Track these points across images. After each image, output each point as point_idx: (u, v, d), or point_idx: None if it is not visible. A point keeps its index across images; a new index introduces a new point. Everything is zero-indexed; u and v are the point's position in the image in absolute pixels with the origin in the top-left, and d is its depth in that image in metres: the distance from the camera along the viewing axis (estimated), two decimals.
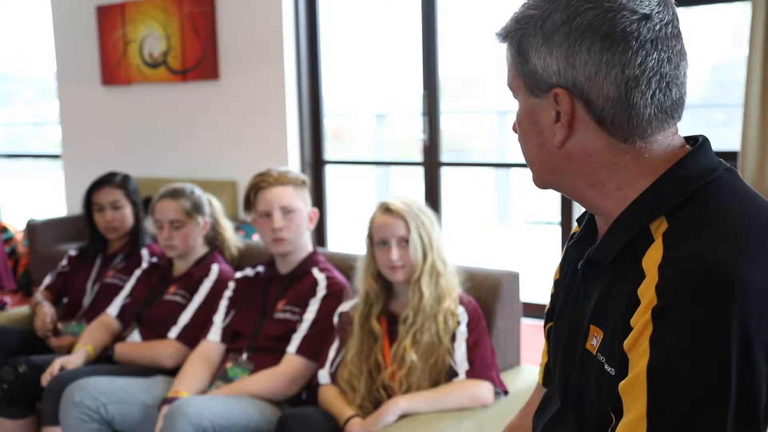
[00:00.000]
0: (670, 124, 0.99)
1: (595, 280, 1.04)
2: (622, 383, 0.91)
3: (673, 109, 0.99)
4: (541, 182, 1.08)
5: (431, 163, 4.82)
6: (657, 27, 0.96)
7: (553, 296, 1.23)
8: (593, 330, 1.03)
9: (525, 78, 1.01)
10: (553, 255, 4.80)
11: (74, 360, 2.72)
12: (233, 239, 3.01)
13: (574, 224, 1.19)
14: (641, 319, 0.90)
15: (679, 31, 0.98)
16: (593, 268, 1.04)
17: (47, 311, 3.05)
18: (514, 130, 1.10)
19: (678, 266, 0.89)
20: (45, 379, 2.63)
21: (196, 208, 2.86)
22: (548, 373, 1.25)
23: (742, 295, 0.86)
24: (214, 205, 2.96)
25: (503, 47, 1.06)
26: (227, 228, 3.00)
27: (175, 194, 2.86)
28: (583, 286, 1.07)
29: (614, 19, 0.94)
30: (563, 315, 1.14)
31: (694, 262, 0.88)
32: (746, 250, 0.89)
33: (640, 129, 0.97)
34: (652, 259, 0.92)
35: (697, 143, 1.01)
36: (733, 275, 0.86)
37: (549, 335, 1.22)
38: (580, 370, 1.04)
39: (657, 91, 0.96)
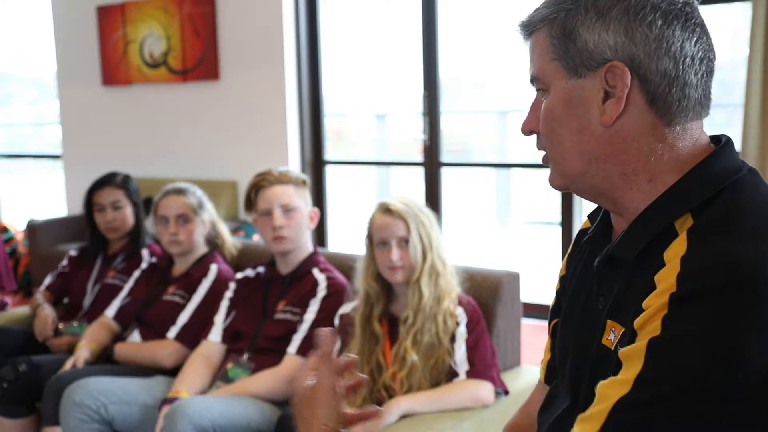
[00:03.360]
0: (703, 115, 1.01)
1: (613, 276, 1.03)
2: (623, 349, 0.92)
3: (709, 98, 1.01)
4: (569, 175, 1.05)
5: (431, 163, 4.82)
6: (700, 15, 1.00)
7: (558, 292, 1.23)
8: (611, 325, 1.03)
9: (568, 59, 1.00)
10: (553, 255, 4.79)
11: (81, 355, 2.73)
12: (231, 240, 3.02)
13: (579, 223, 1.19)
14: (656, 302, 0.90)
15: None
16: (611, 265, 1.04)
17: (48, 314, 3.05)
18: (526, 130, 1.08)
19: (704, 261, 0.89)
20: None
21: (201, 206, 2.88)
22: (551, 370, 1.25)
23: (766, 296, 0.86)
24: (210, 208, 2.98)
25: (513, 44, 1.06)
26: (225, 229, 3.01)
27: (180, 191, 2.87)
28: (597, 283, 1.07)
29: None
30: (573, 311, 1.13)
31: (720, 260, 0.88)
32: None
33: (686, 111, 0.98)
34: (675, 251, 0.93)
35: (721, 143, 1.02)
36: (759, 276, 0.87)
37: (554, 331, 1.22)
38: (596, 366, 1.03)
39: (706, 74, 0.99)
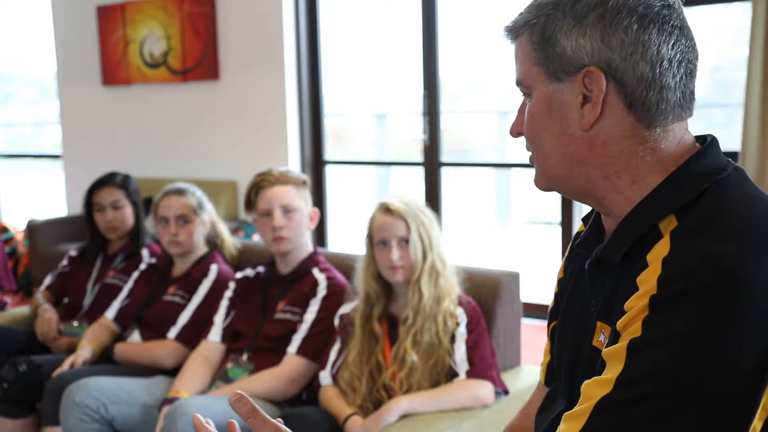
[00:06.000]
0: (685, 116, 1.02)
1: (603, 279, 1.04)
2: (606, 349, 0.94)
3: (691, 99, 1.01)
4: (552, 177, 1.06)
5: (431, 163, 4.82)
6: (681, 16, 1.00)
7: (556, 295, 1.23)
8: (600, 327, 1.03)
9: (548, 63, 1.01)
10: (553, 255, 4.80)
11: (82, 354, 2.73)
12: (231, 240, 3.02)
13: (579, 223, 1.20)
14: (638, 303, 0.91)
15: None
16: (601, 267, 1.05)
17: (51, 317, 3.05)
18: (514, 132, 1.10)
19: (684, 263, 0.90)
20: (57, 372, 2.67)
21: (201, 206, 2.88)
22: (550, 372, 1.25)
23: (752, 296, 0.86)
24: (210, 208, 2.98)
25: (507, 45, 1.07)
26: (225, 229, 3.01)
27: (180, 191, 2.87)
28: (590, 285, 1.07)
29: (647, 2, 0.97)
30: (569, 314, 1.14)
31: (701, 261, 0.89)
32: (756, 251, 0.89)
33: (665, 114, 0.99)
34: (658, 252, 0.93)
35: (706, 142, 1.02)
36: (742, 276, 0.87)
37: (553, 334, 1.22)
38: (588, 368, 1.04)
39: (685, 76, 0.99)
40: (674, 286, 0.89)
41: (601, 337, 1.03)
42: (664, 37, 0.97)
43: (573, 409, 0.93)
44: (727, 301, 0.86)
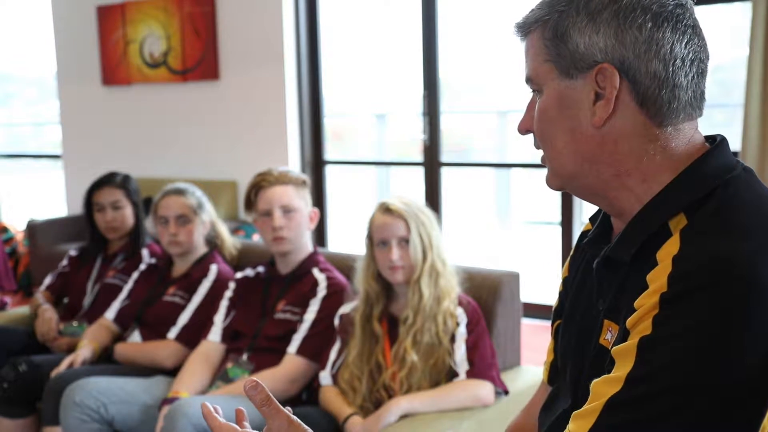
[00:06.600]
0: (696, 116, 1.02)
1: (611, 278, 1.04)
2: (616, 347, 0.94)
3: (702, 99, 1.01)
4: (563, 176, 1.06)
5: (431, 163, 4.82)
6: (693, 16, 1.00)
7: (561, 294, 1.23)
8: (607, 325, 1.04)
9: (560, 60, 1.01)
10: (553, 255, 4.79)
11: (82, 353, 2.73)
12: (231, 240, 3.02)
13: (580, 223, 1.20)
14: (648, 301, 0.91)
15: None
16: (610, 266, 1.05)
17: (51, 316, 3.05)
18: (522, 129, 1.10)
19: (694, 261, 0.90)
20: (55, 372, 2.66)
21: (201, 206, 2.88)
22: (554, 371, 1.25)
23: (761, 294, 0.87)
24: (210, 208, 2.98)
25: (513, 44, 1.07)
26: (225, 229, 3.01)
27: (180, 191, 2.87)
28: (597, 284, 1.07)
29: (661, 1, 0.98)
30: (574, 312, 1.14)
31: (711, 259, 0.89)
32: (765, 250, 0.89)
33: (677, 113, 0.99)
34: (668, 251, 0.93)
35: (715, 142, 1.02)
36: (752, 274, 0.87)
37: (557, 333, 1.22)
38: (594, 366, 1.04)
39: (696, 75, 1.00)
40: (684, 284, 0.89)
41: (608, 336, 1.03)
42: (677, 36, 0.98)
43: (582, 408, 0.93)
44: (737, 299, 0.86)
